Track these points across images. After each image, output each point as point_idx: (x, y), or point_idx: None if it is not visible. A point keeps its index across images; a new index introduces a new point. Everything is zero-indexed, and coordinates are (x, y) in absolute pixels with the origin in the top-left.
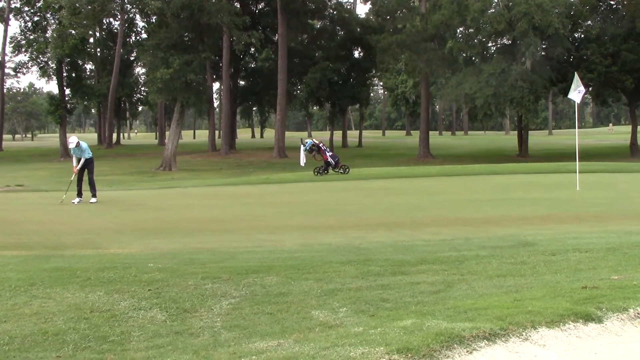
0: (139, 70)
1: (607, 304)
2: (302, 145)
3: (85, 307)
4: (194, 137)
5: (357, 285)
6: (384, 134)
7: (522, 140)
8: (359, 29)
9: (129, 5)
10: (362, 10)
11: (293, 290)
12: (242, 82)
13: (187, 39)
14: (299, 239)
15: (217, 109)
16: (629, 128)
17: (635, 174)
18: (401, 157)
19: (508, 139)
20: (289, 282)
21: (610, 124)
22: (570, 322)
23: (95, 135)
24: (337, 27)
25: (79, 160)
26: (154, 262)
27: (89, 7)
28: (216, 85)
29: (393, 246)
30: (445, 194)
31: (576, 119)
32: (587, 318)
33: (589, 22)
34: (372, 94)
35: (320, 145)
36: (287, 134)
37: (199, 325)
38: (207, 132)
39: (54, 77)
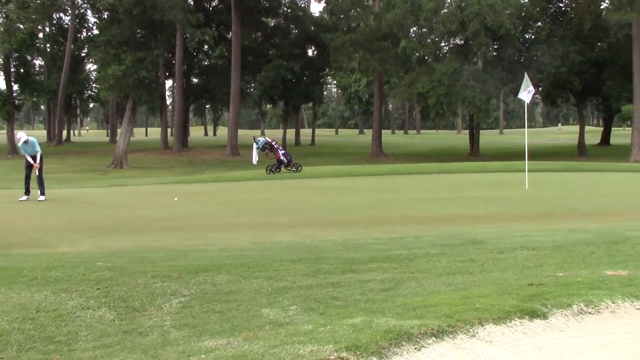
0: (91, 66)
1: (552, 300)
2: (254, 144)
3: (31, 307)
4: (146, 135)
5: (307, 283)
6: (337, 132)
7: (474, 139)
8: (313, 28)
9: (80, 1)
10: (316, 8)
11: (243, 289)
12: (195, 80)
13: (139, 35)
14: (251, 237)
15: (169, 107)
16: (577, 128)
17: (583, 173)
18: (354, 156)
19: (460, 138)
20: (239, 280)
21: (560, 124)
22: (517, 319)
23: (44, 132)
24: (291, 26)
25: (33, 158)
26: (103, 261)
27: (38, 1)
28: (169, 83)
29: (344, 244)
30: (397, 193)
31: (526, 118)
32: (533, 314)
33: (539, 23)
34: (325, 93)
35: (273, 143)
36: (240, 132)
37: (148, 324)
38: (159, 129)
39: (1, 73)
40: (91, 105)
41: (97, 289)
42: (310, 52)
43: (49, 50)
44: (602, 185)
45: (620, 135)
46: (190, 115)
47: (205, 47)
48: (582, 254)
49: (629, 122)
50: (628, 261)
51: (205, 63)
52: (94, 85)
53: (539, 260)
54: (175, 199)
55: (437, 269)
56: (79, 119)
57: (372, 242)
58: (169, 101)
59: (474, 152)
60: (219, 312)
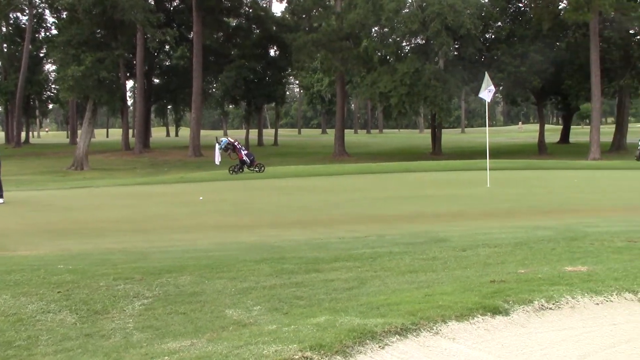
0: (49, 67)
1: (513, 297)
2: (217, 144)
3: None
4: (107, 136)
5: (271, 283)
6: (299, 132)
7: (436, 138)
8: (274, 27)
9: (37, 0)
10: (277, 8)
11: (207, 290)
12: (156, 80)
13: (99, 35)
14: (214, 238)
15: (130, 108)
16: (537, 126)
17: (543, 171)
18: (317, 156)
19: (422, 137)
20: (202, 281)
21: (520, 123)
22: (479, 316)
23: (2, 134)
24: (253, 25)
25: None
26: (64, 264)
27: None
28: (130, 83)
29: (308, 244)
30: (360, 192)
31: (487, 117)
32: (495, 311)
33: (499, 23)
34: (288, 93)
35: (236, 143)
36: (203, 132)
37: (111, 327)
38: (120, 130)
39: None
40: (50, 106)
41: (58, 292)
42: (272, 52)
43: (5, 50)
44: (561, 182)
45: (579, 133)
46: (152, 116)
47: (167, 47)
48: (542, 250)
49: (587, 121)
50: (587, 257)
51: (167, 63)
52: (53, 86)
53: (501, 258)
54: (201, 198)
55: (400, 267)
56: (38, 120)
57: (335, 241)
58: (130, 102)
59: (436, 151)
60: (182, 314)
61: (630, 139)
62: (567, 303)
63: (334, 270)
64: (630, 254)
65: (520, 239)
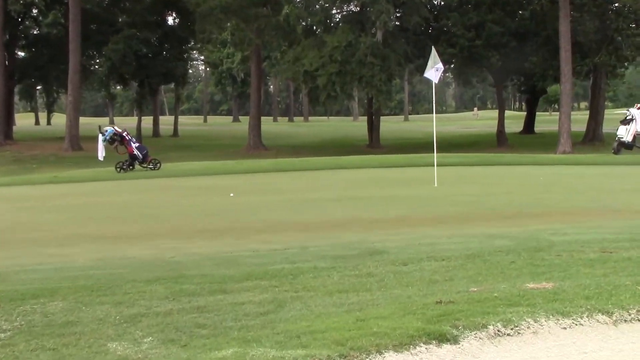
0: None
1: (464, 320)
2: (100, 135)
3: None
4: None
5: (166, 308)
6: (206, 120)
7: (373, 127)
8: None
9: None
10: None
11: (84, 318)
12: (21, 54)
13: None
14: (95, 252)
15: None
16: (496, 113)
17: (503, 167)
18: (227, 149)
19: (356, 126)
20: (79, 307)
21: (475, 108)
22: (422, 345)
23: None
24: None
25: None
26: None
27: None
28: None
29: (213, 259)
30: (279, 194)
31: (434, 102)
32: (442, 338)
33: None
34: (191, 71)
35: (124, 134)
36: (82, 120)
37: None
38: None
39: None
40: None
41: None
42: (170, 20)
43: None
44: (524, 181)
45: (546, 121)
46: (16, 99)
47: (34, 11)
48: (499, 264)
49: (555, 106)
50: (553, 271)
51: (35, 32)
52: None
53: (449, 273)
54: (232, 194)
55: (327, 286)
56: None
57: (247, 255)
58: None
59: (374, 143)
60: (51, 350)
61: (607, 128)
62: (528, 327)
63: (245, 290)
64: (603, 268)
65: (473, 250)
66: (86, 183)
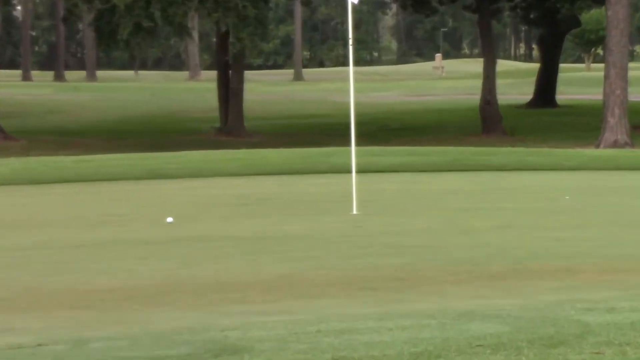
0: None
1: None
2: None
3: None
4: None
5: None
6: None
7: (230, 95)
8: None
9: None
10: None
11: None
12: None
13: None
14: None
15: None
16: (479, 66)
17: (490, 174)
18: None
19: (196, 91)
20: None
21: (438, 56)
22: None
23: None
24: None
25: None
26: None
27: None
28: None
29: None
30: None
31: (350, 44)
32: None
33: None
34: None
35: None
36: None
37: None
38: None
39: None
40: None
41: None
42: None
43: None
44: (533, 203)
45: (579, 82)
46: None
47: None
48: None
49: (599, 52)
50: None
51: None
52: None
53: None
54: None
55: None
56: None
57: None
58: None
59: (233, 126)
60: None
61: None
62: None
63: None
64: None
65: (425, 346)
66: None
